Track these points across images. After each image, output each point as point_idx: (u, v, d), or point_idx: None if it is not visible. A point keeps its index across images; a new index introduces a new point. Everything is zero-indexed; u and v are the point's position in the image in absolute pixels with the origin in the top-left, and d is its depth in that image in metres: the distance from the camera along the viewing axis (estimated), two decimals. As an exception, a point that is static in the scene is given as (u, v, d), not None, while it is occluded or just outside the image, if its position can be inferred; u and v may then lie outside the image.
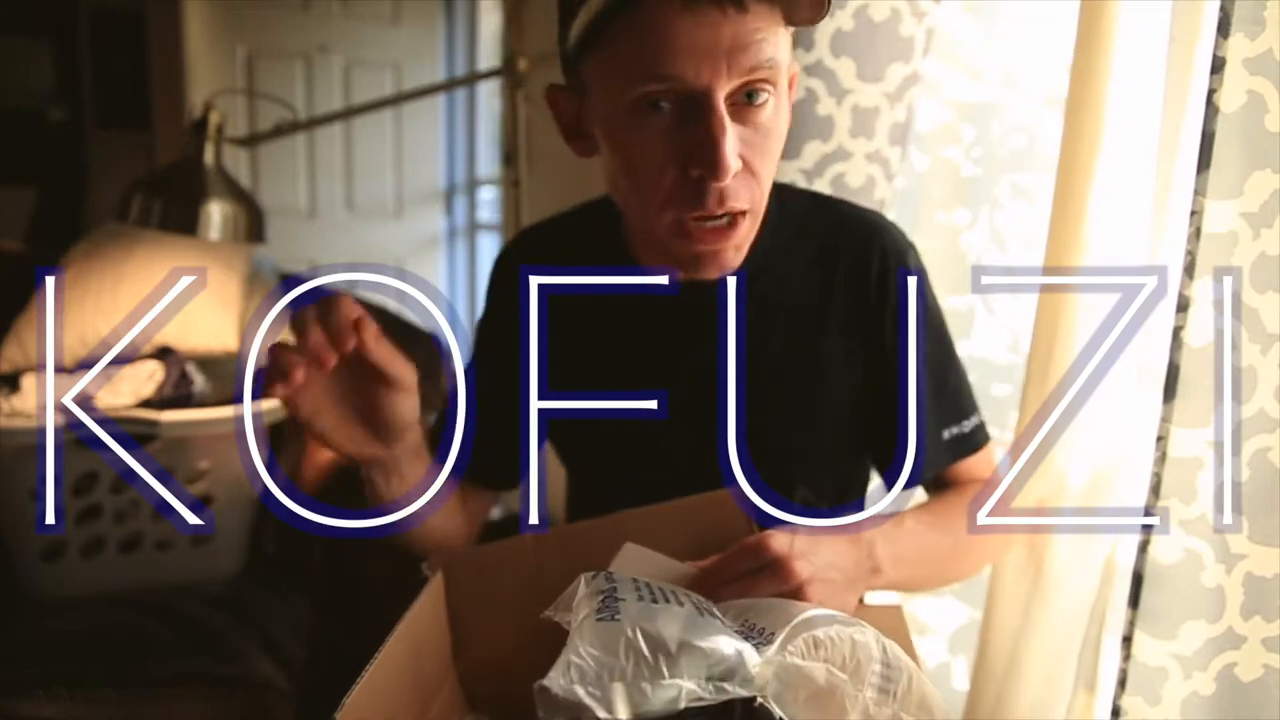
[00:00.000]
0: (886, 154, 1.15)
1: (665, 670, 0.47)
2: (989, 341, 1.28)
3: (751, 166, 0.72)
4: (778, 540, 0.67)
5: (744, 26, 0.66)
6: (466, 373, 0.97)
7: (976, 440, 0.92)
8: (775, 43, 0.69)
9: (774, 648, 0.51)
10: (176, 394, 1.45)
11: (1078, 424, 0.94)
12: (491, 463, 0.95)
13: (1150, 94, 0.87)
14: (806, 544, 0.68)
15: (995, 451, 0.97)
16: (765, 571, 0.65)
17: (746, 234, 0.75)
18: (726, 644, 0.49)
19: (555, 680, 0.46)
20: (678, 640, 0.48)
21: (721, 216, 0.72)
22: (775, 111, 0.72)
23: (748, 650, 0.50)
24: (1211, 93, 0.78)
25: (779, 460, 0.87)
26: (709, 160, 0.68)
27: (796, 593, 0.65)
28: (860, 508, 0.97)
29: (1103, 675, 1.00)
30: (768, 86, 0.70)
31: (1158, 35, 0.86)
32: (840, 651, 0.52)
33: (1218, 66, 0.77)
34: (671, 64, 0.66)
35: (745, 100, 0.69)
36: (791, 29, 0.73)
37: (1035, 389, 0.97)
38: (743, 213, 0.73)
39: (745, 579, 0.65)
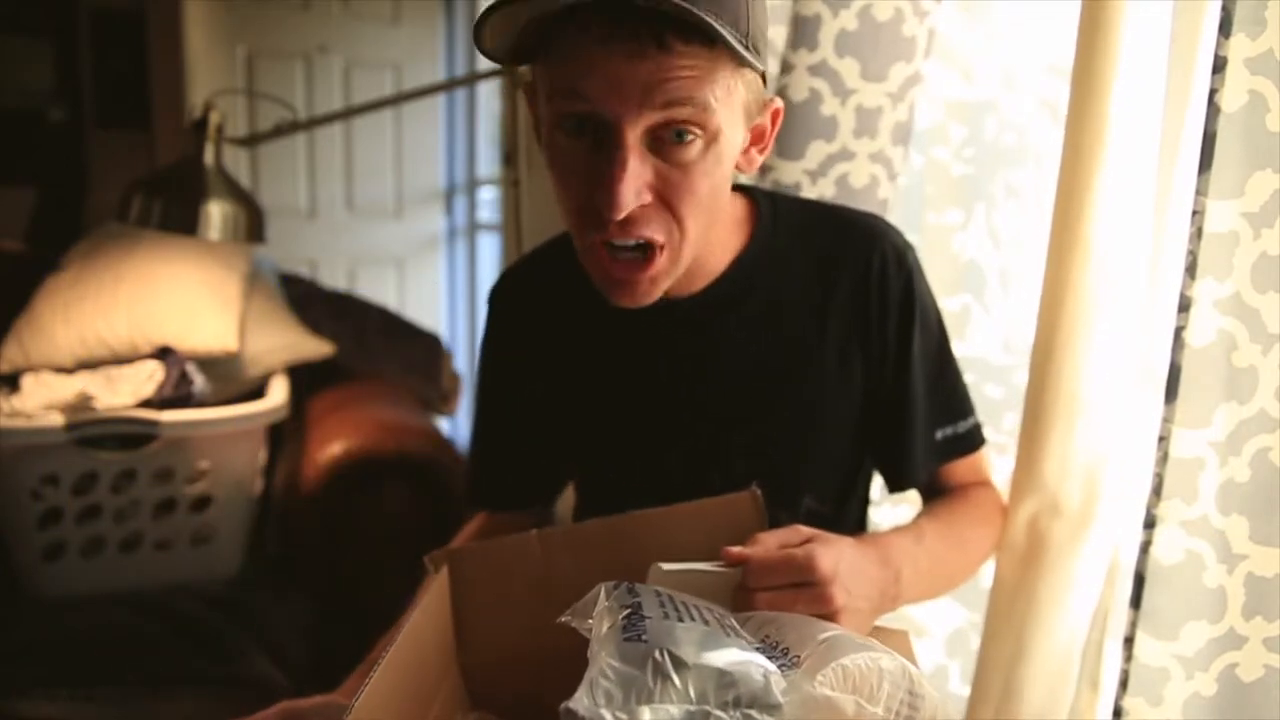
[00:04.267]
0: (889, 154, 1.15)
1: (692, 694, 0.47)
2: (983, 342, 1.28)
3: (668, 202, 0.70)
4: (825, 561, 0.65)
5: (664, 65, 0.65)
6: (476, 413, 1.01)
7: (971, 442, 0.92)
8: (708, 84, 0.67)
9: (800, 672, 0.51)
10: (176, 394, 1.45)
11: (1075, 437, 0.93)
12: (514, 488, 0.99)
13: (1152, 94, 0.87)
14: (848, 571, 0.66)
15: (989, 453, 0.96)
16: (806, 590, 0.64)
17: (664, 269, 0.73)
18: (754, 668, 0.49)
19: (581, 701, 0.46)
20: (704, 664, 0.48)
21: (634, 246, 0.72)
22: (704, 154, 0.70)
23: (774, 675, 0.49)
24: (1213, 92, 0.78)
25: (783, 469, 0.87)
26: (604, 191, 0.67)
27: (827, 618, 0.64)
28: (864, 509, 0.97)
29: (1105, 676, 1.00)
30: (694, 129, 0.68)
31: (1159, 35, 0.86)
32: (869, 682, 0.52)
33: (1219, 66, 0.77)
34: (585, 88, 0.66)
35: (673, 138, 0.68)
36: (755, 72, 0.71)
37: (1034, 394, 0.96)
38: (658, 246, 0.72)
39: (785, 592, 0.64)
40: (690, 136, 0.69)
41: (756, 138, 0.78)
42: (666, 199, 0.70)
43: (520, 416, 0.95)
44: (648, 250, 0.72)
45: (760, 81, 0.73)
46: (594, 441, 0.93)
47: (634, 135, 0.67)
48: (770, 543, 0.67)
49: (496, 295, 0.97)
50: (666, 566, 0.65)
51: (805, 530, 0.69)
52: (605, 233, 0.71)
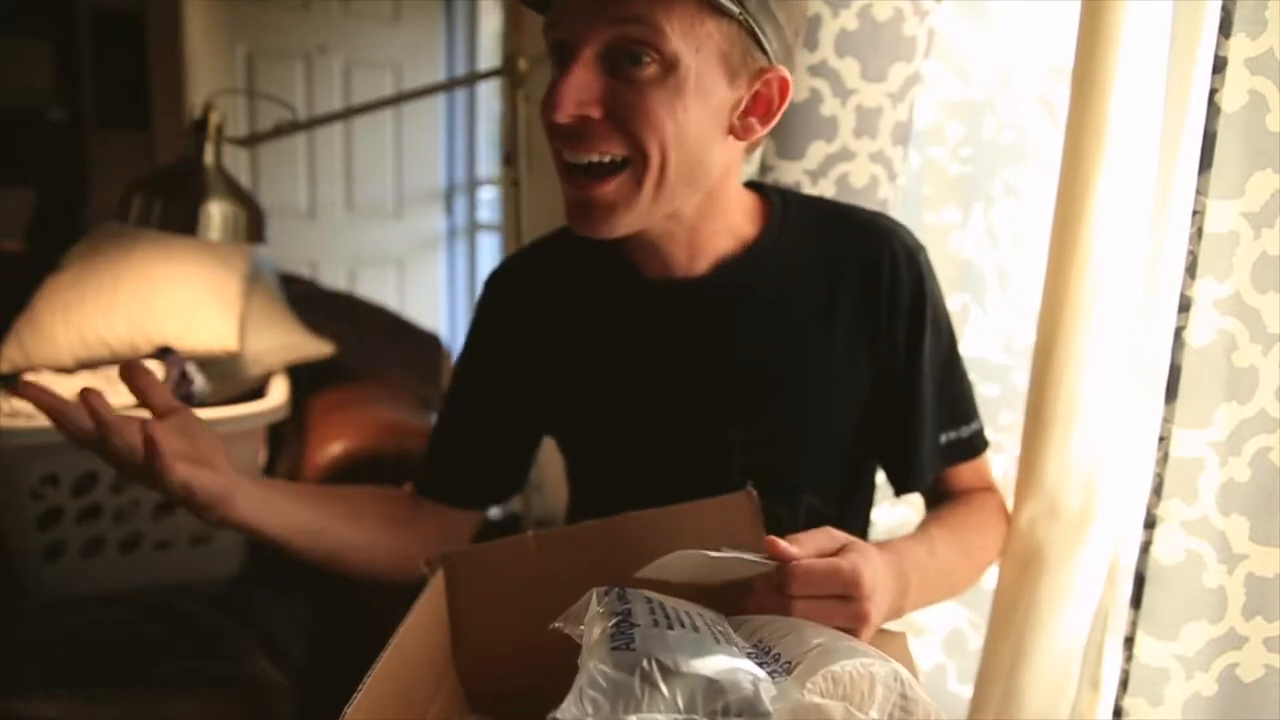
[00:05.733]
0: (890, 154, 1.15)
1: (680, 703, 0.46)
2: (983, 342, 1.28)
3: (621, 119, 0.71)
4: (869, 576, 0.63)
5: None
6: (449, 398, 0.98)
7: (974, 447, 0.92)
8: (663, 9, 0.68)
9: (790, 680, 0.50)
10: (176, 394, 1.45)
11: (1074, 440, 0.93)
12: (472, 482, 0.96)
13: (1152, 94, 0.87)
14: (875, 585, 0.65)
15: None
16: (845, 604, 0.63)
17: (623, 194, 0.74)
18: (744, 676, 0.48)
19: (569, 711, 0.45)
20: (693, 672, 0.48)
21: (587, 166, 0.73)
22: (661, 81, 0.70)
23: (764, 683, 0.49)
24: (1213, 92, 0.78)
25: (784, 466, 0.87)
26: (549, 95, 0.71)
27: (854, 631, 0.63)
28: (867, 510, 0.97)
29: (1105, 676, 1.00)
30: (651, 52, 0.69)
31: (1159, 35, 0.86)
32: (860, 689, 0.51)
33: (1219, 66, 0.77)
34: (556, 14, 0.72)
35: (628, 60, 0.70)
36: (733, 21, 0.71)
37: (1035, 397, 0.96)
38: (614, 164, 0.73)
39: (825, 602, 0.63)
40: (646, 59, 0.70)
41: (763, 108, 0.76)
42: (619, 116, 0.72)
43: (501, 405, 0.94)
44: (601, 171, 0.73)
45: (752, 40, 0.73)
46: (591, 431, 0.92)
47: (588, 51, 0.70)
48: (809, 546, 0.64)
49: (495, 281, 0.96)
50: (691, 553, 0.61)
51: (839, 535, 0.67)
52: (558, 144, 0.74)
